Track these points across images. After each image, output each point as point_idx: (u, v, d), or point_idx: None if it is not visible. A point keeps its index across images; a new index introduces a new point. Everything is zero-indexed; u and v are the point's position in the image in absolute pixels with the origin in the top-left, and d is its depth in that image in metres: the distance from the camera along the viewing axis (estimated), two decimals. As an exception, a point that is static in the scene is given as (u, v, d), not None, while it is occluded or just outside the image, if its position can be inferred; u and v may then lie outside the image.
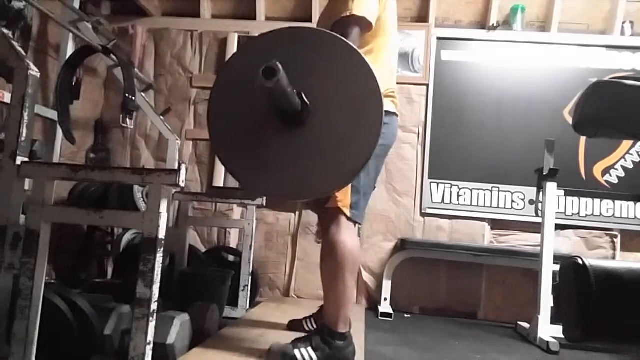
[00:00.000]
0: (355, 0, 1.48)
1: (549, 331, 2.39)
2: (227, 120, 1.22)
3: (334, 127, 1.15)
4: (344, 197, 1.54)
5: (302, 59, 1.17)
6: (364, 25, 1.50)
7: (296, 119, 1.14)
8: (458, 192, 3.17)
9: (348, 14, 1.45)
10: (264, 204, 2.78)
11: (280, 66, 1.01)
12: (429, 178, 3.20)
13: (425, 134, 3.22)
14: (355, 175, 1.23)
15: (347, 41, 1.22)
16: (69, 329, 1.43)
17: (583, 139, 3.11)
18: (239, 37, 3.39)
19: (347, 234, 1.54)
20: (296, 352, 1.52)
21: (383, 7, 1.62)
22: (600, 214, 3.09)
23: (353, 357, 1.62)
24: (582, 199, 3.10)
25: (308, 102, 1.14)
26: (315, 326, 1.94)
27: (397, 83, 3.30)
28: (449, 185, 3.19)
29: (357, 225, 1.64)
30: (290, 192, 1.23)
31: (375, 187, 1.79)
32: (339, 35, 1.24)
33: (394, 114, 1.73)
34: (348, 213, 1.57)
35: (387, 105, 1.66)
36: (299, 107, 1.13)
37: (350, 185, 1.54)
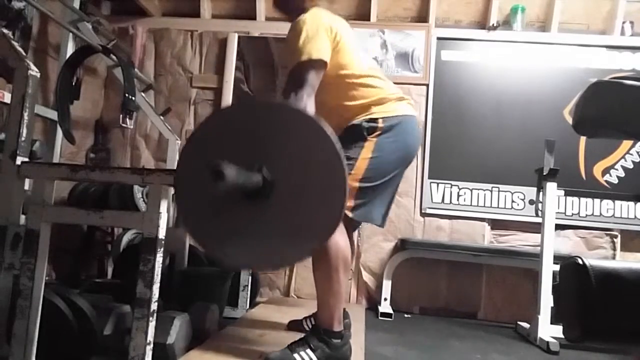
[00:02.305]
0: (304, 45, 1.52)
1: (549, 331, 2.39)
2: (194, 200, 1.20)
3: (298, 197, 1.14)
4: None
5: (262, 130, 1.16)
6: (319, 66, 1.54)
7: (260, 193, 1.12)
8: (458, 192, 3.17)
9: (300, 61, 1.51)
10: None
11: (226, 168, 0.97)
12: (429, 178, 3.20)
13: (425, 134, 3.22)
14: (326, 239, 1.22)
15: (302, 110, 1.22)
16: (69, 329, 1.43)
17: (583, 139, 3.11)
18: (239, 37, 3.39)
19: (337, 235, 1.53)
20: (295, 356, 1.52)
21: (334, 35, 1.62)
22: (600, 214, 3.09)
23: (350, 354, 1.63)
24: (582, 199, 3.10)
25: (270, 176, 1.13)
26: (315, 326, 1.94)
27: (397, 83, 3.32)
28: (449, 185, 3.19)
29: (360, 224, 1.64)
30: (262, 265, 1.24)
31: (394, 194, 1.78)
32: (293, 105, 1.25)
33: (404, 116, 1.69)
34: (350, 214, 1.57)
35: (392, 108, 1.66)
36: (260, 184, 1.12)
37: (354, 188, 1.56)
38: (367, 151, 1.60)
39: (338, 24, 1.67)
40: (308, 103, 1.47)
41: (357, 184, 1.58)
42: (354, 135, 1.62)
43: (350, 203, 1.57)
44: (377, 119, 1.63)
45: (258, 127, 1.16)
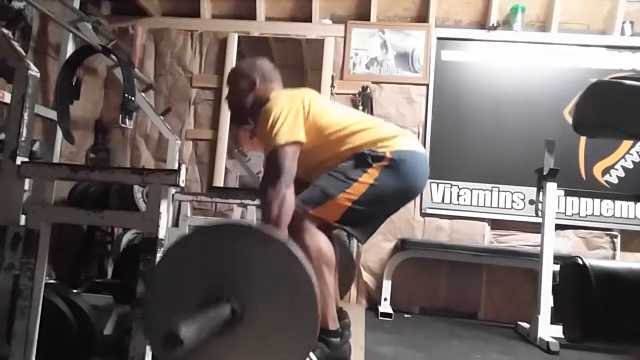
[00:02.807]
0: (275, 131, 1.52)
1: (549, 331, 2.39)
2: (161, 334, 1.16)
3: (269, 324, 1.10)
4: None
5: (229, 257, 1.12)
6: (294, 147, 1.54)
7: (229, 325, 1.08)
8: (458, 192, 3.17)
9: (274, 147, 1.51)
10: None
11: (184, 328, 0.88)
12: (429, 178, 3.18)
13: (425, 134, 3.22)
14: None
15: (272, 235, 1.17)
16: (69, 329, 1.43)
17: (583, 139, 3.11)
18: (239, 37, 3.39)
19: (311, 237, 1.53)
20: None
21: (307, 108, 1.62)
22: (600, 214, 3.09)
23: (350, 354, 1.63)
24: (582, 199, 3.10)
25: (239, 306, 1.08)
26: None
27: (397, 83, 3.34)
28: (449, 185, 3.19)
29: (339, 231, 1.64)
30: None
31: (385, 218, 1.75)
32: (266, 232, 1.19)
33: (413, 152, 1.68)
34: (335, 224, 1.57)
35: (399, 143, 1.63)
36: (229, 316, 1.07)
37: (344, 206, 1.55)
38: (368, 177, 1.57)
39: (303, 96, 1.66)
40: (286, 193, 1.47)
41: (348, 204, 1.55)
42: (358, 161, 1.59)
43: (336, 216, 1.56)
44: (384, 152, 1.59)
45: (225, 254, 1.12)
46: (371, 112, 3.20)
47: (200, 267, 1.13)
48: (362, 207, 1.57)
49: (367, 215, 1.62)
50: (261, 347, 1.11)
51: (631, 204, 3.06)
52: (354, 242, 3.10)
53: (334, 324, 1.59)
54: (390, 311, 2.82)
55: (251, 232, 1.17)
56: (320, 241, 1.53)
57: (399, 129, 1.74)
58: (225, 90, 1.86)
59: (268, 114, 1.57)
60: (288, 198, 1.47)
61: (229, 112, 1.93)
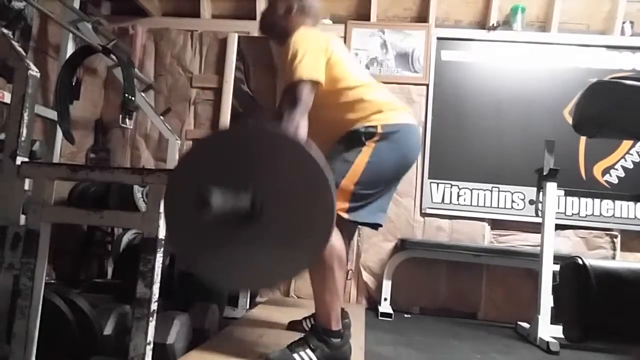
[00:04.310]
0: (297, 65, 1.54)
1: (549, 331, 2.39)
2: (184, 225, 1.20)
3: (288, 213, 1.15)
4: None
5: (249, 154, 1.17)
6: (312, 85, 1.55)
7: (250, 214, 1.12)
8: (458, 192, 3.17)
9: (294, 80, 1.53)
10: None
11: (212, 195, 0.98)
12: (429, 178, 3.20)
13: (425, 134, 3.22)
14: (314, 259, 1.24)
15: (288, 134, 1.22)
16: (69, 329, 1.43)
17: (583, 139, 3.11)
18: (239, 37, 3.39)
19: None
20: (295, 356, 1.52)
21: (326, 50, 1.64)
22: (600, 214, 3.09)
23: (350, 354, 1.63)
24: (582, 199, 3.10)
25: (259, 197, 1.13)
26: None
27: (397, 83, 3.34)
28: (449, 185, 3.19)
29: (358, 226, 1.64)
30: (258, 284, 1.24)
31: (391, 193, 1.77)
32: (281, 130, 1.26)
33: (404, 124, 1.69)
34: (346, 216, 1.57)
35: (392, 117, 1.66)
36: (248, 204, 1.12)
37: (348, 191, 1.56)
38: (364, 156, 1.60)
39: (329, 40, 1.68)
40: (300, 122, 1.48)
41: (352, 187, 1.57)
42: (352, 141, 1.63)
43: (344, 205, 1.57)
44: (375, 126, 1.63)
45: (246, 151, 1.16)
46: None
47: (220, 163, 1.17)
48: (365, 190, 1.59)
49: (372, 196, 1.64)
50: (283, 228, 1.15)
51: (631, 204, 3.06)
52: (354, 243, 3.11)
53: (336, 325, 1.59)
54: (390, 311, 2.82)
55: (270, 133, 1.21)
56: (334, 239, 1.53)
57: (396, 103, 1.75)
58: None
59: (293, 46, 1.58)
60: (302, 127, 1.48)
61: (259, 24, 1.90)
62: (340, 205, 1.55)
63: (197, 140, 1.26)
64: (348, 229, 1.74)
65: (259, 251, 1.15)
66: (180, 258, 1.26)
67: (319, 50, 1.61)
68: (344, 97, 1.66)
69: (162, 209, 1.21)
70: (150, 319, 1.17)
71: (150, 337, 1.17)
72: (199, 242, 1.18)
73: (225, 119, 3.29)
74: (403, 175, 1.76)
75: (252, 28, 3.42)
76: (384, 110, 1.66)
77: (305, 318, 2.03)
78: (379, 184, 1.65)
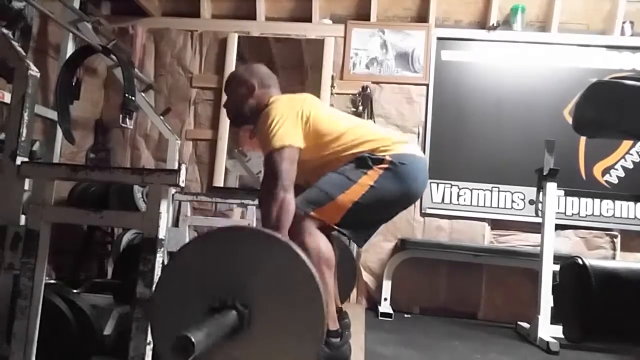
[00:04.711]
0: (274, 133, 1.53)
1: (549, 331, 2.39)
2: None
3: (277, 324, 1.10)
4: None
5: (231, 261, 1.12)
6: (292, 151, 1.54)
7: (238, 329, 1.08)
8: (458, 192, 3.17)
9: (272, 149, 1.52)
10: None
11: (194, 334, 0.89)
12: (429, 178, 3.18)
13: (425, 134, 3.22)
14: None
15: (277, 236, 1.18)
16: (69, 329, 1.43)
17: (583, 139, 3.10)
18: (239, 37, 3.39)
19: (312, 238, 1.52)
20: None
21: (308, 113, 1.62)
22: (600, 214, 3.09)
23: (350, 354, 1.63)
24: (582, 199, 3.10)
25: (244, 309, 1.09)
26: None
27: (397, 83, 3.34)
28: (449, 185, 3.19)
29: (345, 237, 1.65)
30: None
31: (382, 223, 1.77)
32: (265, 231, 1.20)
33: (412, 156, 1.67)
34: (334, 224, 1.56)
35: (399, 148, 1.63)
36: (236, 322, 1.07)
37: (345, 208, 1.55)
38: (368, 179, 1.57)
39: (302, 101, 1.67)
40: (285, 198, 1.47)
41: (349, 205, 1.55)
42: (358, 163, 1.60)
43: (336, 218, 1.56)
44: (384, 155, 1.60)
45: (228, 258, 1.12)
46: (371, 112, 3.20)
47: (203, 273, 1.13)
48: (362, 209, 1.57)
49: (366, 218, 1.63)
50: (268, 351, 1.11)
51: (631, 204, 3.06)
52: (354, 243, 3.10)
53: (333, 324, 1.59)
54: (390, 311, 2.82)
55: (252, 235, 1.17)
56: (320, 242, 1.53)
57: (400, 136, 1.75)
58: (224, 97, 1.86)
59: (267, 118, 1.58)
60: (287, 202, 1.47)
61: (229, 119, 1.93)
62: (333, 219, 1.55)
63: (179, 250, 1.21)
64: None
65: (250, 358, 1.11)
66: None
67: (294, 115, 1.59)
68: (339, 143, 1.63)
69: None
70: (150, 319, 1.17)
71: (150, 337, 1.17)
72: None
73: (225, 119, 3.28)
74: (404, 208, 1.74)
75: (252, 28, 3.42)
76: (390, 143, 1.63)
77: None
78: (377, 211, 1.63)
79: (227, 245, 1.15)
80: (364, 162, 1.59)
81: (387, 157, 1.59)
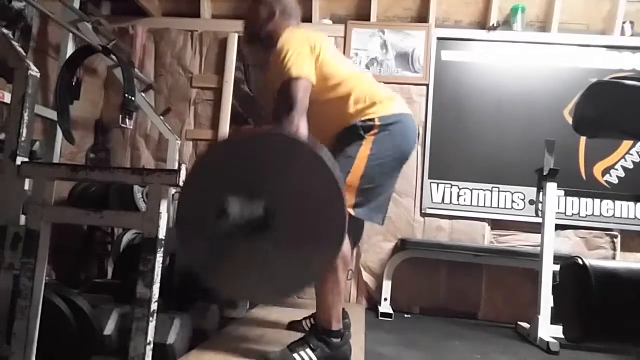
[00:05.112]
0: (290, 64, 1.56)
1: (549, 331, 2.39)
2: (196, 232, 1.22)
3: (300, 227, 1.15)
4: None
5: (258, 161, 1.17)
6: (306, 83, 1.58)
7: (261, 224, 1.13)
8: (458, 192, 3.17)
9: (288, 78, 1.55)
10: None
11: (230, 205, 1.01)
12: (429, 178, 3.20)
13: (425, 134, 3.22)
14: (327, 268, 1.23)
15: (294, 135, 1.23)
16: (69, 329, 1.43)
17: (583, 139, 3.11)
18: (239, 37, 3.39)
19: None
20: (295, 356, 1.52)
21: (314, 49, 1.65)
22: (600, 214, 3.09)
23: (350, 354, 1.63)
24: (582, 199, 3.10)
25: (270, 205, 1.13)
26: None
27: (397, 83, 3.33)
28: (449, 185, 3.19)
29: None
30: (265, 298, 1.25)
31: (391, 190, 1.79)
32: (285, 132, 1.26)
33: (400, 114, 1.71)
34: (352, 212, 1.58)
35: (387, 107, 1.68)
36: (261, 216, 1.12)
37: (355, 187, 1.57)
38: (365, 149, 1.61)
39: (316, 39, 1.69)
40: (300, 124, 1.50)
41: (357, 182, 1.59)
42: (351, 135, 1.64)
43: (351, 200, 1.57)
44: (372, 118, 1.64)
45: (254, 158, 1.17)
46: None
47: (230, 172, 1.17)
48: (369, 184, 1.61)
49: (376, 190, 1.65)
50: (289, 253, 1.15)
51: (631, 204, 3.06)
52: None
53: (337, 325, 1.59)
54: (390, 311, 2.82)
55: (281, 138, 1.22)
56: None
57: (388, 92, 1.76)
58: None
59: (283, 47, 1.61)
60: (302, 128, 1.50)
61: (244, 38, 1.92)
62: (348, 201, 1.56)
63: (210, 145, 1.27)
64: (355, 230, 1.75)
65: (272, 260, 1.15)
66: (193, 267, 1.25)
67: (307, 50, 1.63)
68: (336, 92, 1.67)
69: (176, 214, 1.22)
70: (150, 319, 1.17)
71: (150, 337, 1.17)
72: (212, 251, 1.18)
73: (225, 119, 3.29)
74: (402, 165, 1.77)
75: (252, 28, 3.42)
76: (378, 102, 1.67)
77: (305, 318, 2.03)
78: (382, 176, 1.66)
79: (255, 146, 1.19)
80: (356, 133, 1.63)
81: (376, 122, 1.63)
